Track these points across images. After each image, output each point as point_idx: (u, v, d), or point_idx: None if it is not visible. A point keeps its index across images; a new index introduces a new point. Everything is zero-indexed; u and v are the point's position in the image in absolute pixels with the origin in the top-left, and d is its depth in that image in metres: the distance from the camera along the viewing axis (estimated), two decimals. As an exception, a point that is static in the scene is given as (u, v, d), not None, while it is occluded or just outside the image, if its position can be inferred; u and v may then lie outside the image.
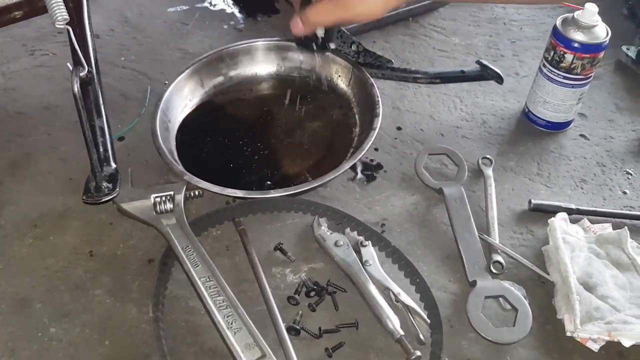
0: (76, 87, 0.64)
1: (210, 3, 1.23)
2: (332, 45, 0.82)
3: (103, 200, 0.72)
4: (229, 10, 1.21)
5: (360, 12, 0.68)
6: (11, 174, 0.86)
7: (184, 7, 1.21)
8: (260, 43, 0.98)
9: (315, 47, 0.80)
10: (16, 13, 0.81)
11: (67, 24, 0.68)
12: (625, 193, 0.87)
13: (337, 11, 0.68)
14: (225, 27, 1.17)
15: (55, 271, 0.74)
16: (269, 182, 0.83)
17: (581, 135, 0.96)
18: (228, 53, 0.97)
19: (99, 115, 0.75)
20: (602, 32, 0.87)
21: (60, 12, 0.67)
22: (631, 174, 0.90)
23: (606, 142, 0.95)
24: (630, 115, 1.00)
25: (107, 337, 0.67)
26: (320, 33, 0.74)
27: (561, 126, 0.96)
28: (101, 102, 0.75)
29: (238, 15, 1.20)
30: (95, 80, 0.75)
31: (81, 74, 0.66)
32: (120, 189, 0.75)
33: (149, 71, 1.04)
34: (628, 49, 1.10)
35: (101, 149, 0.74)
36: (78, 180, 0.81)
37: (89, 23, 0.78)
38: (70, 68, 0.66)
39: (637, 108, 1.01)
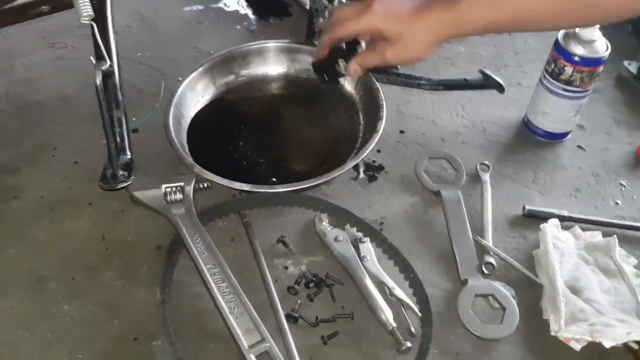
0: (98, 80, 0.68)
1: (225, 4, 1.27)
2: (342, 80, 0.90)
3: (119, 187, 0.76)
4: (242, 12, 1.25)
5: (404, 57, 0.73)
6: (30, 160, 0.90)
7: (199, 7, 1.25)
8: (271, 44, 1.01)
9: (329, 79, 0.85)
10: (43, 8, 0.85)
11: (91, 20, 0.72)
12: (617, 204, 0.90)
13: (384, 58, 0.73)
14: (239, 27, 1.21)
15: (69, 253, 0.78)
16: (274, 178, 0.86)
17: (578, 146, 0.99)
18: (240, 53, 1.00)
19: (118, 106, 0.79)
20: (601, 46, 0.89)
21: (86, 9, 0.70)
22: (624, 186, 0.93)
23: (602, 154, 0.98)
24: (627, 128, 1.03)
25: (117, 316, 0.71)
26: (342, 69, 0.81)
27: (559, 136, 0.99)
28: (120, 94, 0.79)
29: (251, 16, 1.24)
30: (116, 73, 0.79)
31: (103, 68, 0.70)
32: (133, 178, 0.79)
33: (163, 67, 1.08)
34: (629, 64, 1.12)
35: (118, 139, 0.78)
36: (93, 168, 0.85)
37: (111, 19, 0.82)
38: (94, 62, 0.70)
39: (634, 122, 1.04)
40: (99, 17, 0.76)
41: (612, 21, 0.71)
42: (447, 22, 0.68)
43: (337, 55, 0.80)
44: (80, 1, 0.70)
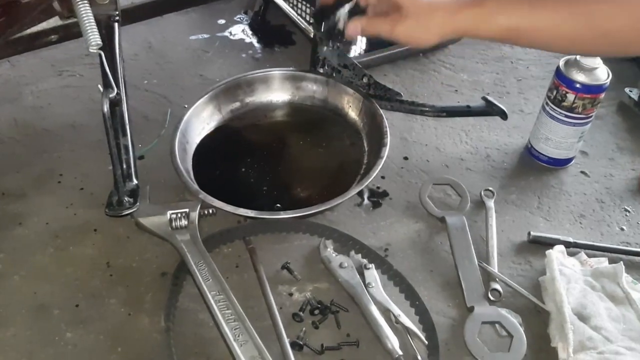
0: (106, 108, 0.69)
1: (230, 32, 1.29)
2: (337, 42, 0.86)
3: (124, 213, 0.76)
4: (247, 40, 1.27)
5: (414, 36, 0.72)
6: (36, 187, 0.90)
7: (205, 36, 1.27)
8: (276, 72, 1.03)
9: (325, 32, 0.82)
10: (52, 37, 0.87)
11: (99, 49, 0.73)
12: (622, 229, 0.90)
13: (393, 30, 0.72)
14: (244, 55, 1.22)
15: (74, 280, 0.77)
16: (279, 204, 0.87)
17: (582, 172, 0.99)
18: (245, 80, 1.02)
19: (124, 134, 0.79)
20: (603, 74, 0.90)
21: (94, 38, 0.72)
22: (629, 212, 0.93)
23: (606, 180, 0.98)
24: (630, 155, 1.04)
25: (120, 344, 0.71)
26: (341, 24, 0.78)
27: (562, 162, 0.99)
28: (127, 122, 0.80)
29: (256, 45, 1.26)
30: (123, 101, 0.80)
31: (110, 96, 0.71)
32: (138, 205, 0.79)
33: (169, 95, 1.10)
34: (631, 91, 1.13)
35: (124, 166, 0.78)
36: (99, 195, 0.86)
37: (119, 48, 0.83)
38: (101, 90, 0.71)
39: (637, 148, 1.05)
40: (107, 46, 0.77)
41: (623, 54, 0.69)
42: (471, 16, 0.68)
43: (341, 3, 0.77)
44: (89, 30, 0.72)
